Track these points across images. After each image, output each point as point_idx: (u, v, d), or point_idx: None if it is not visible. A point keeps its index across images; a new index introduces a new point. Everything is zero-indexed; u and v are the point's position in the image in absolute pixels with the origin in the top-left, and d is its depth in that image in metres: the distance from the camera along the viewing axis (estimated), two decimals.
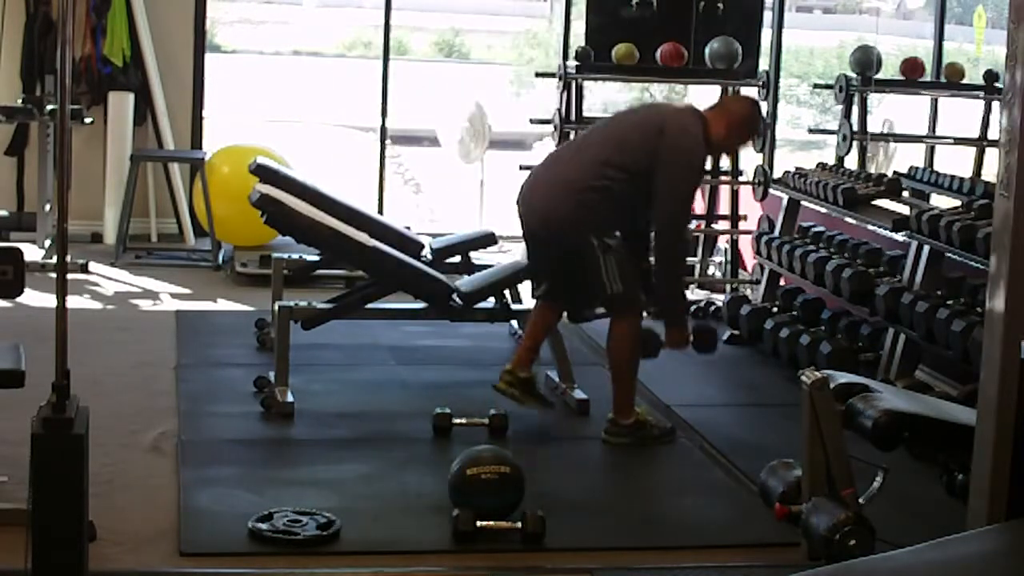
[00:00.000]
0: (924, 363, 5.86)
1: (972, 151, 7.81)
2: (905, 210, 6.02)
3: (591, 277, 5.02)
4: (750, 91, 7.86)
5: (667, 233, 5.06)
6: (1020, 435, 3.16)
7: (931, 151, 8.01)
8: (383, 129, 8.83)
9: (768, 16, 8.49)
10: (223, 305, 7.18)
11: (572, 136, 7.65)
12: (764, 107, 7.86)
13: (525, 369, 5.23)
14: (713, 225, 8.20)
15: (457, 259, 6.33)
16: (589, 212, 5.02)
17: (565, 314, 5.42)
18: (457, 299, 5.48)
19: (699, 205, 8.78)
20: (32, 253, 7.47)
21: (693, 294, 7.95)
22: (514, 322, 6.44)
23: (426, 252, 6.17)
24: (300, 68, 19.00)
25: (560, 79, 7.60)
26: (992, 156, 7.17)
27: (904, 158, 8.31)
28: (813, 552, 3.67)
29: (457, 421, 5.09)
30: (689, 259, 8.38)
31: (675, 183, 4.99)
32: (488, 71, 18.77)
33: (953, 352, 5.18)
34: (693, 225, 8.52)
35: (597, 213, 5.02)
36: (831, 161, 7.49)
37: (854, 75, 7.65)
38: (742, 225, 7.94)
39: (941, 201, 6.72)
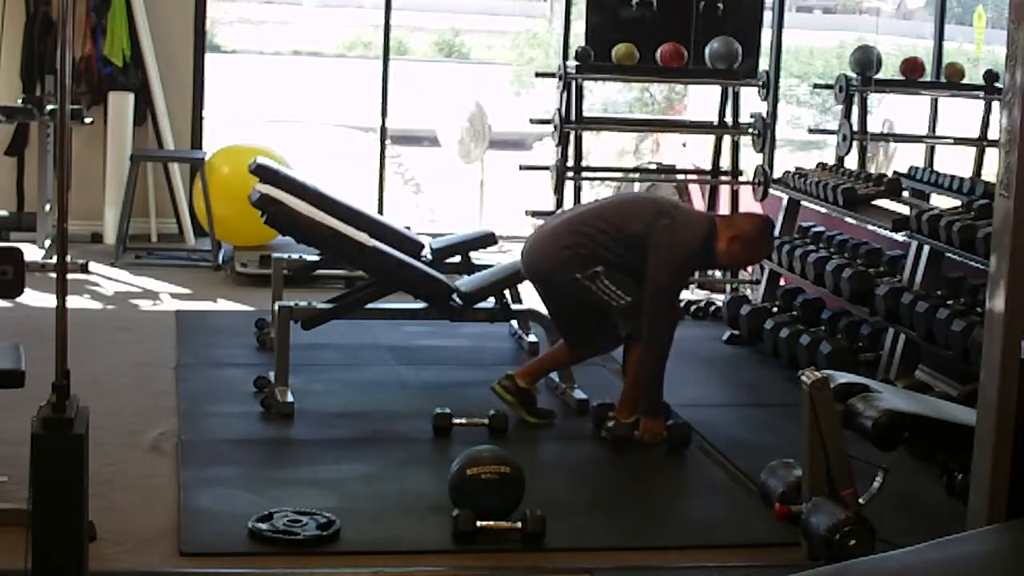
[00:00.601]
0: (924, 363, 5.86)
1: (972, 151, 7.81)
2: (905, 210, 6.02)
3: (596, 306, 5.07)
4: (750, 91, 7.88)
5: (653, 318, 5.01)
6: (1020, 435, 3.16)
7: (931, 151, 8.01)
8: (383, 129, 8.83)
9: (768, 16, 8.48)
10: (223, 305, 7.18)
11: (571, 136, 7.67)
12: (765, 108, 7.92)
13: (527, 380, 5.27)
14: None
15: (457, 259, 6.33)
16: (570, 256, 5.08)
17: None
18: (457, 299, 5.48)
19: (699, 205, 8.79)
20: (32, 253, 7.47)
21: (693, 294, 7.96)
22: (514, 322, 6.45)
23: (426, 252, 6.17)
24: (300, 68, 19.00)
25: (560, 79, 7.60)
26: (992, 156, 7.17)
27: (904, 158, 8.31)
28: (813, 552, 3.67)
29: (457, 421, 5.09)
30: None
31: (665, 265, 5.00)
32: (488, 71, 18.77)
33: (953, 352, 5.18)
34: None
35: (578, 257, 5.07)
36: (831, 161, 7.49)
37: (854, 75, 7.65)
38: None
39: (941, 201, 6.72)
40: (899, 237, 6.00)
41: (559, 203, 7.69)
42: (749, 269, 7.70)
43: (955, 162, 7.93)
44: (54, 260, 5.36)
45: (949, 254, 5.54)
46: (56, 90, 7.35)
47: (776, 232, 7.00)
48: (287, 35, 19.34)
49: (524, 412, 5.23)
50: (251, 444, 4.95)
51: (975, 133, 7.73)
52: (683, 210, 5.31)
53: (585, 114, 7.73)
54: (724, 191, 8.15)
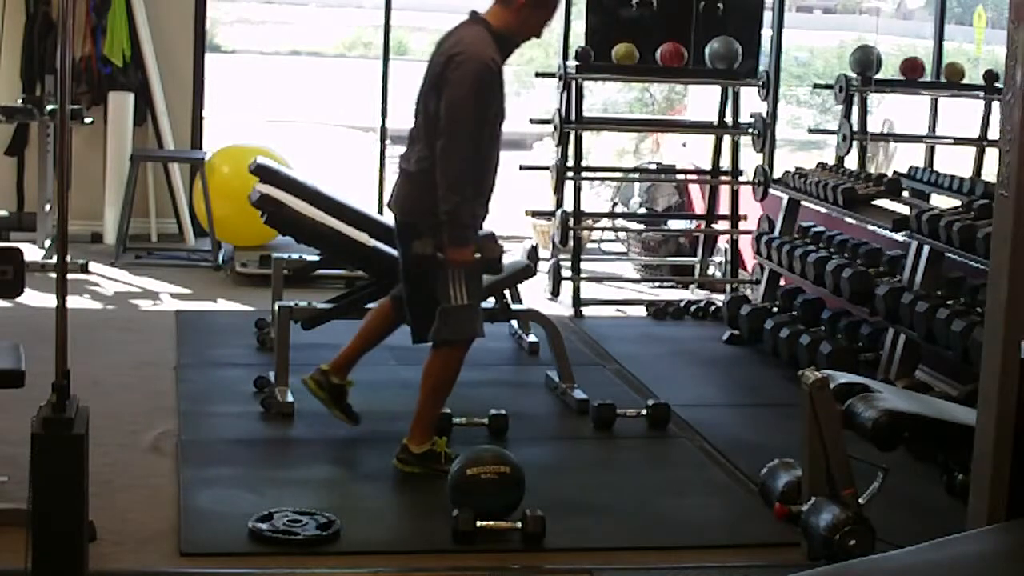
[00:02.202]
0: (924, 363, 5.86)
1: (972, 151, 7.80)
2: (905, 210, 6.02)
3: (438, 281, 4.60)
4: (750, 91, 7.88)
5: (447, 135, 4.50)
6: (1020, 435, 3.16)
7: (931, 151, 8.00)
8: (383, 129, 8.83)
9: (768, 16, 8.48)
10: (223, 305, 7.18)
11: (571, 136, 7.67)
12: (765, 107, 7.91)
13: (339, 374, 4.98)
14: (713, 225, 8.21)
15: None
16: (426, 189, 4.56)
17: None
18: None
19: (699, 205, 8.80)
20: (32, 253, 7.47)
21: (693, 294, 7.96)
22: (514, 322, 6.45)
23: None
24: (300, 68, 18.99)
25: (560, 79, 7.61)
26: (992, 156, 7.17)
27: (904, 158, 8.31)
28: (813, 552, 3.66)
29: (457, 421, 5.09)
30: (689, 259, 8.40)
31: (455, 92, 4.48)
32: None
33: (953, 352, 5.18)
34: (692, 225, 8.53)
35: (433, 188, 4.53)
36: (831, 161, 7.49)
37: (854, 75, 7.65)
38: (742, 225, 7.95)
39: (941, 201, 6.72)
40: (899, 237, 6.00)
41: (559, 203, 7.70)
42: (749, 269, 7.71)
43: (955, 162, 7.92)
44: (54, 260, 5.37)
45: (949, 254, 5.54)
46: (56, 90, 7.35)
47: (776, 232, 7.02)
48: (287, 35, 19.33)
49: (337, 412, 4.98)
50: (251, 444, 4.95)
51: (975, 133, 7.72)
52: (455, 49, 4.57)
53: (585, 114, 7.74)
54: (724, 191, 8.16)
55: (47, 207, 7.99)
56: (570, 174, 7.70)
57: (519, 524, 4.06)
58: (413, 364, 6.09)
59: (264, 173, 6.05)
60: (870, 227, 6.45)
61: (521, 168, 8.07)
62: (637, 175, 9.11)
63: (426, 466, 4.64)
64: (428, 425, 4.71)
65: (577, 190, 7.72)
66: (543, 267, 7.57)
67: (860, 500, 3.65)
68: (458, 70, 4.51)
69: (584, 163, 7.96)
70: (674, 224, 8.72)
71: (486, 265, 4.66)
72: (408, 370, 6.01)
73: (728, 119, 8.00)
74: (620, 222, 9.03)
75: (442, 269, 4.55)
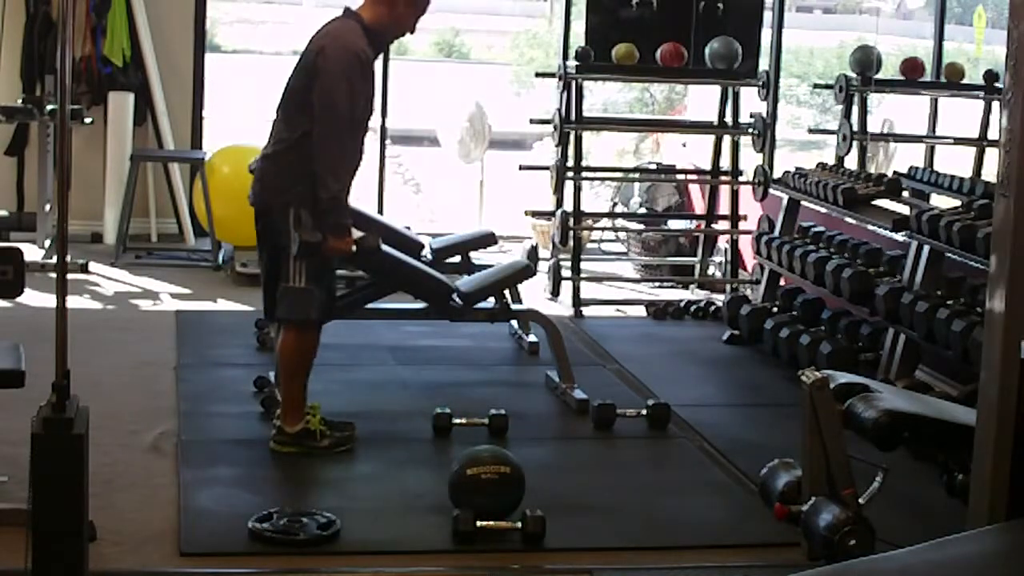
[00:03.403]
0: (924, 363, 5.86)
1: (972, 151, 7.81)
2: (905, 210, 6.02)
3: (282, 262, 4.66)
4: (751, 91, 7.88)
5: (322, 132, 4.59)
6: (1020, 435, 3.16)
7: (931, 151, 8.01)
8: (383, 129, 8.82)
9: (768, 16, 8.48)
10: (223, 305, 7.18)
11: (571, 136, 7.67)
12: (765, 107, 7.91)
13: (293, 423, 4.78)
14: (713, 225, 8.21)
15: (457, 259, 6.33)
16: (283, 171, 4.66)
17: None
18: (457, 299, 5.48)
19: (699, 205, 8.80)
20: (32, 253, 7.47)
21: (693, 294, 7.96)
22: (514, 322, 6.45)
23: (426, 252, 6.17)
24: None
25: (560, 79, 7.61)
26: (992, 156, 7.17)
27: (904, 158, 8.31)
28: (813, 552, 3.66)
29: (457, 421, 5.09)
30: (689, 259, 8.40)
31: (328, 84, 4.58)
32: (488, 71, 18.77)
33: (953, 352, 5.18)
34: (692, 225, 8.54)
35: (290, 170, 4.64)
36: (831, 161, 7.49)
37: (854, 75, 7.65)
38: (742, 225, 7.95)
39: (941, 201, 6.72)
40: (899, 237, 6.00)
41: (559, 203, 7.70)
42: (749, 269, 7.71)
43: (955, 162, 7.93)
44: (54, 260, 5.36)
45: (949, 254, 5.54)
46: (56, 90, 7.35)
47: (776, 232, 7.02)
48: (287, 35, 19.33)
49: (317, 451, 4.78)
50: (251, 444, 4.94)
51: (975, 133, 7.72)
52: (326, 41, 4.68)
53: (585, 114, 7.74)
54: (724, 191, 8.16)
55: (47, 207, 7.99)
56: (570, 174, 7.70)
57: (519, 524, 4.06)
58: (413, 364, 6.13)
59: None
60: (870, 227, 6.45)
61: (521, 168, 8.07)
62: (637, 175, 9.12)
63: (302, 444, 4.75)
64: (296, 405, 4.78)
65: (577, 190, 7.72)
66: (543, 267, 7.57)
67: (860, 500, 3.65)
68: (329, 60, 4.62)
69: (584, 163, 7.96)
70: (674, 224, 8.72)
71: (331, 252, 4.70)
72: (407, 370, 6.03)
73: (728, 119, 8.00)
74: (620, 222, 9.04)
75: (287, 251, 4.62)
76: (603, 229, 9.03)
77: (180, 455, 4.71)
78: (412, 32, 4.87)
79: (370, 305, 5.55)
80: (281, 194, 4.68)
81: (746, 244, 7.70)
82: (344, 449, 4.82)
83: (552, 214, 7.71)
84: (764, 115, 7.80)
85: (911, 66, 7.93)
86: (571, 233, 7.53)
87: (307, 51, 4.74)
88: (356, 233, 4.81)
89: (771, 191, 7.39)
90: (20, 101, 8.07)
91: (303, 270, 4.64)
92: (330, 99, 4.60)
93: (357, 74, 4.64)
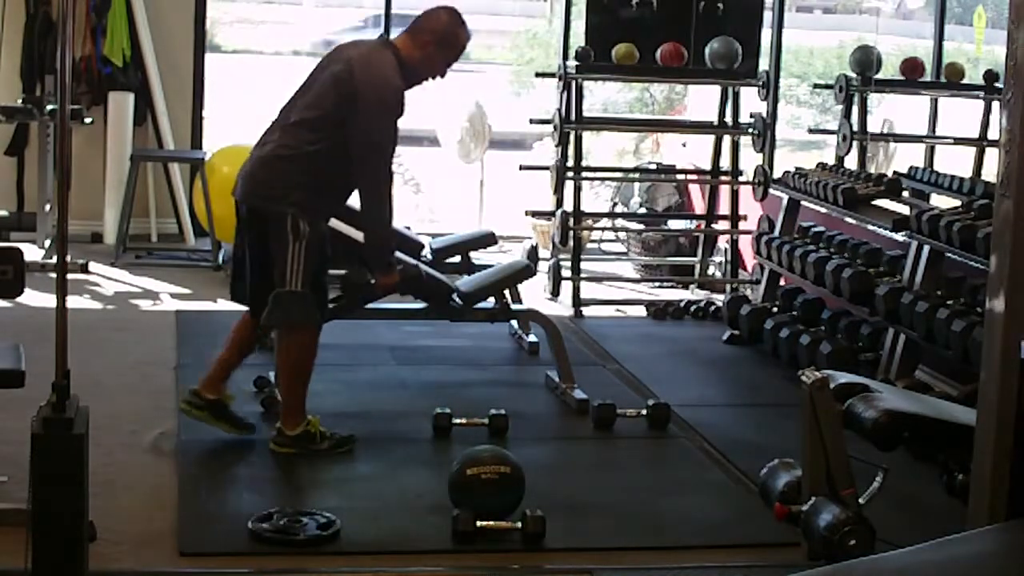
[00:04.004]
0: (924, 363, 5.86)
1: (972, 151, 7.81)
2: (905, 210, 6.03)
3: (277, 266, 4.64)
4: (750, 91, 7.88)
5: (367, 170, 4.66)
6: (1020, 435, 3.16)
7: (931, 151, 8.01)
8: None
9: (768, 16, 8.48)
10: (223, 305, 7.16)
11: (571, 136, 7.67)
12: (765, 107, 7.91)
13: (213, 390, 4.84)
14: (713, 225, 8.21)
15: (457, 259, 6.33)
16: (286, 177, 4.66)
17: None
18: (457, 299, 5.48)
19: (699, 205, 8.80)
20: (32, 253, 7.47)
21: (693, 294, 7.96)
22: (514, 322, 6.45)
23: (426, 252, 6.17)
24: (300, 68, 19.00)
25: (560, 79, 7.61)
26: (992, 156, 7.17)
27: (904, 158, 8.31)
28: (813, 552, 3.66)
29: (457, 421, 5.09)
30: (689, 259, 8.40)
31: (371, 122, 4.61)
32: (488, 71, 18.76)
33: (953, 352, 5.18)
34: (692, 225, 8.54)
35: (294, 177, 4.65)
36: (831, 161, 7.49)
37: (854, 75, 7.65)
38: (742, 225, 7.95)
39: (941, 201, 6.72)
40: (899, 237, 6.00)
41: (559, 203, 7.70)
42: (749, 269, 7.71)
43: (955, 162, 7.93)
44: (54, 260, 5.36)
45: (949, 254, 5.54)
46: (56, 90, 7.35)
47: (776, 232, 7.02)
48: (287, 35, 19.32)
49: (221, 425, 4.84)
50: (251, 444, 4.94)
51: (975, 133, 7.73)
52: (362, 64, 4.67)
53: (585, 114, 7.74)
54: (724, 191, 8.16)
55: (47, 207, 7.99)
56: (570, 174, 7.70)
57: (519, 524, 4.06)
58: (413, 364, 6.13)
59: None
60: (870, 227, 6.45)
61: (521, 168, 8.07)
62: (637, 175, 9.12)
63: (301, 447, 4.75)
64: (296, 408, 4.78)
65: (577, 190, 7.72)
66: (543, 267, 7.57)
67: (860, 500, 3.65)
68: (372, 99, 4.61)
69: (584, 163, 7.96)
70: (674, 224, 8.72)
71: (380, 289, 4.87)
72: (407, 370, 6.03)
73: (728, 119, 8.00)
74: (620, 222, 9.04)
75: (282, 255, 4.62)
76: (603, 229, 9.03)
77: (180, 455, 4.71)
78: (442, 77, 4.89)
79: (370, 305, 5.55)
80: (278, 200, 4.66)
81: (746, 244, 7.70)
82: (343, 450, 4.82)
83: (552, 214, 7.71)
84: (764, 115, 7.80)
85: (911, 66, 7.94)
86: (571, 233, 7.53)
87: (339, 72, 4.68)
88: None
89: (771, 191, 7.39)
90: (20, 101, 8.07)
91: (300, 274, 4.63)
92: (376, 139, 4.64)
93: (396, 113, 4.68)
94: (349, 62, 4.68)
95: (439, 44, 4.78)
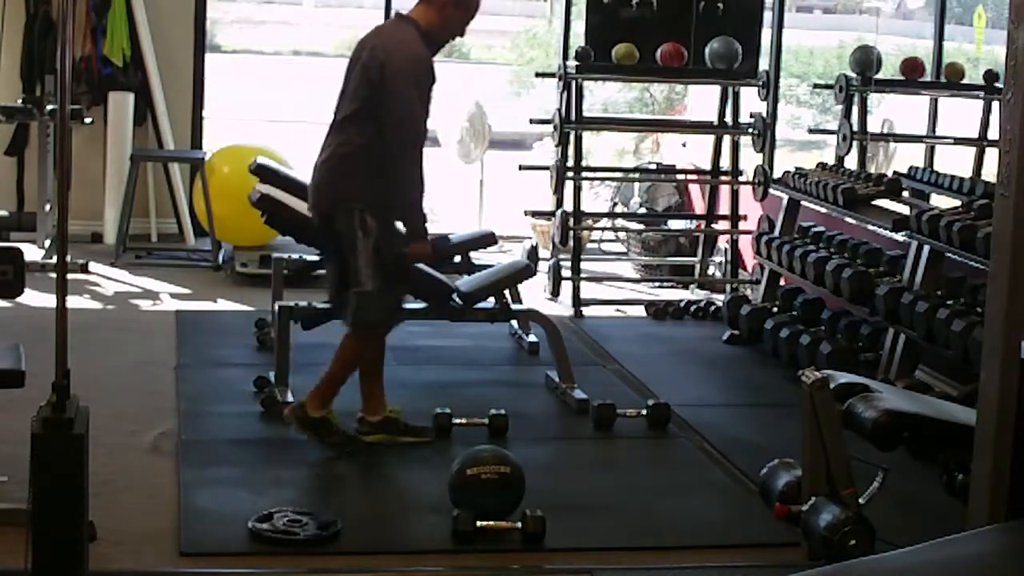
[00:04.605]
0: (924, 363, 5.86)
1: (972, 151, 7.81)
2: (905, 210, 6.02)
3: (349, 264, 4.67)
4: (750, 91, 7.88)
5: (398, 143, 4.65)
6: (1020, 435, 3.16)
7: (931, 151, 8.01)
8: None
9: (768, 16, 8.48)
10: (223, 305, 7.18)
11: (571, 136, 7.67)
12: (765, 107, 7.91)
13: (317, 408, 4.81)
14: (713, 225, 8.21)
15: (457, 259, 6.33)
16: (345, 177, 4.71)
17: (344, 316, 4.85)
18: (457, 299, 5.48)
19: (699, 205, 8.80)
20: (32, 253, 7.47)
21: (693, 294, 7.96)
22: (514, 322, 6.45)
23: None
24: (300, 68, 18.98)
25: (560, 79, 7.61)
26: (992, 156, 7.17)
27: (904, 158, 8.31)
28: (813, 552, 3.67)
29: (457, 421, 5.09)
30: (689, 259, 8.40)
31: (400, 94, 4.62)
32: (488, 71, 18.76)
33: (953, 352, 5.18)
34: (692, 225, 8.54)
35: (353, 176, 4.70)
36: (831, 161, 7.49)
37: (854, 75, 7.65)
38: (742, 225, 7.95)
39: (941, 201, 6.72)
40: (899, 237, 6.00)
41: (559, 203, 7.70)
42: (749, 269, 7.71)
43: (955, 162, 7.93)
44: (54, 260, 5.36)
45: (949, 254, 5.54)
46: (56, 90, 7.35)
47: (776, 232, 7.02)
48: (287, 35, 19.32)
49: (331, 442, 4.80)
50: (251, 444, 4.95)
51: (975, 133, 7.73)
52: (389, 45, 4.72)
53: (585, 114, 7.74)
54: (724, 191, 8.16)
55: (47, 207, 7.99)
56: (570, 174, 7.70)
57: (519, 524, 4.06)
58: (413, 364, 6.13)
59: (264, 173, 6.05)
60: (870, 227, 6.45)
61: (521, 168, 8.07)
62: (637, 175, 9.12)
63: (316, 431, 4.79)
64: (329, 395, 4.81)
65: (577, 190, 7.72)
66: (543, 267, 7.57)
67: (860, 500, 3.65)
68: (399, 73, 4.64)
69: (584, 163, 7.96)
70: (674, 224, 8.72)
71: (403, 258, 4.80)
72: (407, 370, 6.02)
73: (728, 119, 8.00)
74: (620, 222, 9.04)
75: (352, 253, 4.66)
76: (603, 229, 9.03)
77: (180, 455, 4.71)
78: (462, 35, 4.93)
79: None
80: (342, 199, 4.70)
81: (746, 244, 7.70)
82: (424, 441, 4.90)
83: (552, 214, 7.71)
84: (764, 115, 7.80)
85: (911, 66, 7.93)
86: (571, 233, 7.53)
87: (366, 59, 4.73)
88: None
89: (771, 191, 7.39)
90: (20, 101, 8.07)
91: (371, 271, 4.66)
92: (405, 111, 4.65)
93: (424, 83, 4.70)
94: (373, 49, 4.74)
95: (455, 4, 4.80)
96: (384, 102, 4.65)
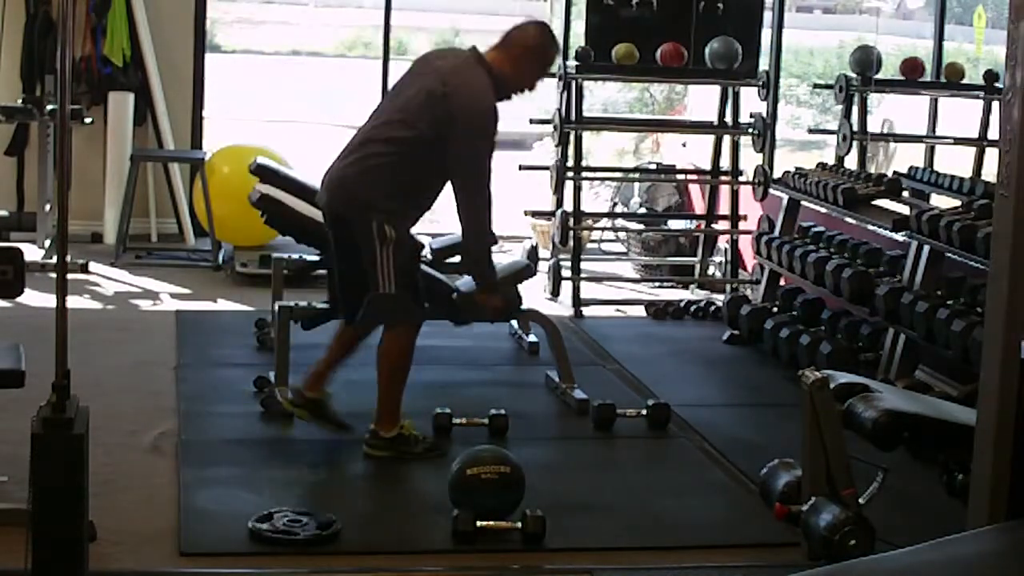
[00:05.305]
0: (924, 363, 5.86)
1: (972, 151, 7.81)
2: (905, 210, 6.02)
3: (367, 269, 4.67)
4: (750, 91, 7.87)
5: (468, 194, 4.70)
6: (1020, 435, 3.16)
7: (931, 151, 8.01)
8: None
9: (768, 16, 8.48)
10: (223, 305, 7.18)
11: (571, 136, 7.67)
12: (764, 107, 7.92)
13: (315, 389, 4.92)
14: (713, 225, 8.21)
15: (457, 259, 6.33)
16: (372, 185, 4.68)
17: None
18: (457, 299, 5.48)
19: (699, 205, 8.80)
20: (32, 253, 7.47)
21: (693, 294, 7.96)
22: (514, 322, 6.45)
23: (426, 252, 6.16)
24: (300, 68, 18.98)
25: (560, 79, 7.60)
26: (992, 156, 7.17)
27: (904, 158, 8.31)
28: (813, 552, 3.66)
29: (457, 421, 5.09)
30: (689, 259, 8.40)
31: (471, 148, 4.65)
32: None
33: (953, 352, 5.18)
34: (692, 225, 8.54)
35: (380, 186, 4.67)
36: (831, 161, 7.49)
37: (854, 75, 7.65)
38: (742, 225, 7.95)
39: (941, 201, 6.72)
40: (899, 237, 6.00)
41: (559, 203, 7.70)
42: (749, 269, 7.71)
43: (955, 162, 7.93)
44: (54, 260, 5.36)
45: (949, 254, 5.54)
46: (56, 90, 7.35)
47: (776, 232, 7.02)
48: (287, 35, 19.31)
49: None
50: (251, 444, 4.95)
51: (975, 133, 7.73)
52: (456, 81, 4.68)
53: (585, 114, 7.74)
54: (724, 191, 8.16)
55: (47, 207, 7.99)
56: (570, 174, 7.70)
57: (519, 524, 4.06)
58: (413, 364, 6.10)
59: (264, 173, 6.05)
60: (870, 227, 6.45)
61: (521, 168, 8.06)
62: (637, 175, 9.12)
63: (397, 450, 4.76)
64: (393, 409, 4.81)
65: (577, 190, 7.72)
66: (543, 267, 7.57)
67: (860, 500, 3.65)
68: (472, 131, 4.65)
69: (584, 163, 7.96)
70: (674, 224, 8.72)
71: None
72: None
73: (728, 119, 8.00)
74: (620, 222, 9.03)
75: (371, 260, 4.65)
76: (603, 229, 9.03)
77: (180, 455, 4.71)
78: (532, 90, 4.93)
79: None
80: (364, 208, 4.65)
81: (746, 244, 7.70)
82: (437, 454, 4.80)
83: (552, 214, 7.71)
84: (764, 115, 7.80)
85: (911, 66, 7.93)
86: (571, 233, 7.53)
87: (431, 83, 4.68)
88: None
89: (771, 191, 7.39)
90: (20, 101, 8.07)
91: (391, 276, 4.65)
92: (477, 163, 4.68)
93: (493, 134, 4.72)
94: (443, 79, 4.68)
95: (531, 59, 4.82)
96: (458, 154, 4.64)
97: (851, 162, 7.55)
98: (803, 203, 7.00)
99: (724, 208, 8.13)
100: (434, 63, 4.82)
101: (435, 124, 4.63)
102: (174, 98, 8.62)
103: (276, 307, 5.52)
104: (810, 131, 9.11)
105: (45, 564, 3.18)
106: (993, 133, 7.35)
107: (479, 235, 4.80)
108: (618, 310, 7.60)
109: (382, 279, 4.64)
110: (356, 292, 4.78)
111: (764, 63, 8.26)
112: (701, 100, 9.94)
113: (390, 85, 8.76)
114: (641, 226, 8.74)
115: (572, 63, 7.60)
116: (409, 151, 4.67)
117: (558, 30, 8.49)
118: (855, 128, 7.59)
